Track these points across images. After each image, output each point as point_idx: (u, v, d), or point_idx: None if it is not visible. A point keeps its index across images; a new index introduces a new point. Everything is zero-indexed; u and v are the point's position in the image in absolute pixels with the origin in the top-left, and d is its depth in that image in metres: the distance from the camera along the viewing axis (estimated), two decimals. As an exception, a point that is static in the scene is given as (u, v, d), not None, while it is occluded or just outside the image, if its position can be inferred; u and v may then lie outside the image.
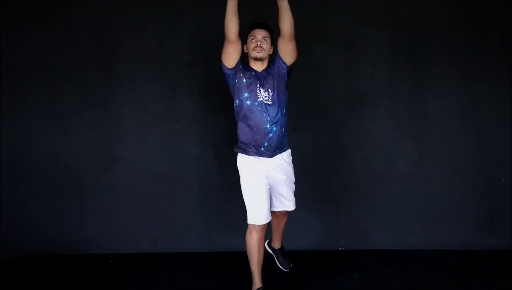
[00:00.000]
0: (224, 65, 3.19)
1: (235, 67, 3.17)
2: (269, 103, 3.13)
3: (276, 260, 3.67)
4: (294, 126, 4.17)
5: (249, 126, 3.16)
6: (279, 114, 3.15)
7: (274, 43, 3.24)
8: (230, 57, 3.14)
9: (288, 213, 3.43)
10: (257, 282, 3.29)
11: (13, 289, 3.56)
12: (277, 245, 3.65)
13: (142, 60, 4.18)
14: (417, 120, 4.19)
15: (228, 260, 4.03)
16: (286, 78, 3.22)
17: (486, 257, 3.97)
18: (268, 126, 3.13)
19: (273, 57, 3.23)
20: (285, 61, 3.17)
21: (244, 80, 3.16)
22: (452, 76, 4.17)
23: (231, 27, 3.08)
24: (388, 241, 4.21)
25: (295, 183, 3.39)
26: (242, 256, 4.03)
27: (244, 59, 3.26)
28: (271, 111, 3.14)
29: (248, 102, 3.14)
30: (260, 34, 3.16)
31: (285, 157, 3.27)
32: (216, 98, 4.19)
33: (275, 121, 3.14)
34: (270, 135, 3.14)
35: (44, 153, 4.21)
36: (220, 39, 4.16)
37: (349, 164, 4.23)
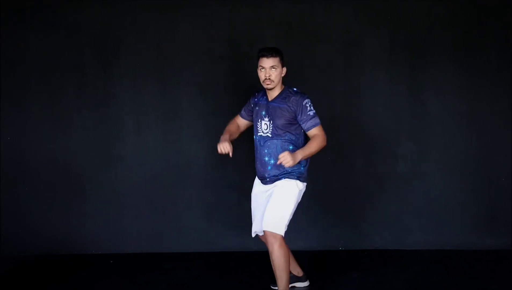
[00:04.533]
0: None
1: (253, 111, 3.29)
2: (269, 136, 3.13)
3: None
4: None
5: (257, 153, 3.23)
6: (282, 150, 3.08)
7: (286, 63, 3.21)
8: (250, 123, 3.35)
9: (270, 242, 3.07)
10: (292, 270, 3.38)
11: (13, 288, 3.56)
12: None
13: (142, 60, 4.18)
14: (417, 120, 4.19)
15: (228, 260, 4.03)
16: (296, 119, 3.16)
17: (486, 257, 3.97)
18: (266, 159, 3.15)
19: (294, 96, 3.13)
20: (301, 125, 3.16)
21: (258, 109, 3.23)
22: (452, 76, 4.17)
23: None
24: (388, 241, 4.22)
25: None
26: (242, 256, 4.05)
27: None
28: (272, 145, 3.13)
29: (254, 136, 3.24)
30: (267, 64, 3.08)
31: (284, 181, 3.14)
32: (216, 98, 4.19)
33: (273, 155, 3.11)
34: (269, 168, 3.15)
35: (44, 153, 4.21)
36: (220, 39, 4.19)
37: (349, 164, 4.23)
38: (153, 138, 4.22)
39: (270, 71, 3.08)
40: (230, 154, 3.10)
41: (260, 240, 3.41)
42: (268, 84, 3.11)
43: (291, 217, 3.15)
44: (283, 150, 3.06)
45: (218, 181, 4.23)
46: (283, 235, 3.08)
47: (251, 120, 3.32)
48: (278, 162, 2.95)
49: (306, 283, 3.48)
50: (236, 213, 4.20)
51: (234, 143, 3.21)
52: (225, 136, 3.20)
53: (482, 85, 4.16)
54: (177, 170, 4.23)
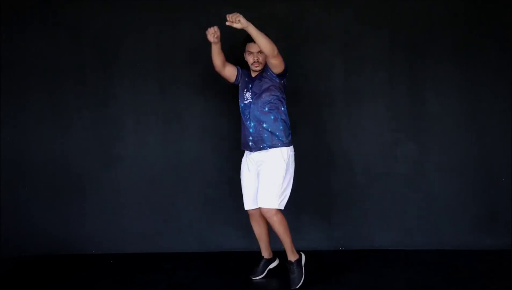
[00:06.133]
0: (229, 82, 3.63)
1: (236, 79, 3.62)
2: (250, 101, 3.49)
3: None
4: (294, 126, 4.18)
5: (242, 124, 3.56)
6: (258, 112, 3.44)
7: None
8: (228, 77, 3.62)
9: (268, 217, 3.42)
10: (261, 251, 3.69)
11: (13, 288, 3.56)
12: (267, 255, 3.71)
13: (142, 60, 4.18)
14: (417, 120, 4.19)
15: (228, 260, 4.03)
16: (278, 80, 3.46)
17: (486, 257, 3.97)
18: (248, 123, 3.48)
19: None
20: (273, 71, 3.42)
21: (242, 85, 3.59)
22: (452, 76, 4.17)
23: (217, 64, 3.55)
24: (388, 241, 4.21)
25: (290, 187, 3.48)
26: (242, 256, 4.05)
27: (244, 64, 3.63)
28: (252, 110, 3.46)
29: (241, 104, 3.56)
30: (255, 49, 3.42)
31: (269, 154, 3.44)
32: (216, 98, 4.19)
33: (253, 118, 3.46)
34: (251, 130, 3.46)
35: (44, 153, 4.21)
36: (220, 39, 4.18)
37: (349, 164, 4.22)
38: (153, 138, 4.22)
39: (257, 55, 3.45)
40: (216, 35, 3.39)
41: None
42: (256, 66, 3.48)
43: (288, 187, 3.46)
44: (262, 113, 3.43)
45: (218, 181, 4.23)
46: (277, 208, 3.38)
47: (226, 70, 3.58)
48: (228, 18, 3.16)
49: (277, 261, 3.76)
50: (236, 213, 4.20)
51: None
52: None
53: (482, 85, 4.16)
54: (177, 170, 4.23)
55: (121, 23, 4.19)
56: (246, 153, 3.59)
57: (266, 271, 3.67)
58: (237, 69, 3.62)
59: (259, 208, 3.45)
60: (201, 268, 3.87)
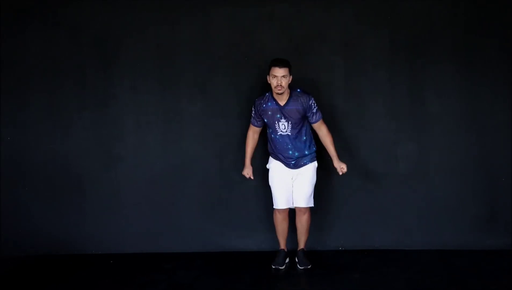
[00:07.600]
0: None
1: (261, 119, 3.82)
2: (289, 134, 3.76)
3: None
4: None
5: (274, 148, 3.84)
6: (300, 143, 3.82)
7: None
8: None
9: (303, 213, 3.93)
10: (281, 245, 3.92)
11: (13, 288, 3.56)
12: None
13: (142, 60, 4.18)
14: (417, 120, 4.19)
15: (228, 260, 4.03)
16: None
17: (486, 257, 3.97)
18: (290, 153, 3.79)
19: (301, 98, 3.75)
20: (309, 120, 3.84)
21: (266, 116, 3.76)
22: (452, 76, 4.17)
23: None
24: (388, 241, 4.21)
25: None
26: (242, 256, 4.05)
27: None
28: (292, 141, 3.78)
29: (272, 135, 3.79)
30: (279, 73, 3.62)
31: (304, 167, 3.90)
32: (216, 98, 4.19)
33: (295, 149, 3.81)
34: (293, 160, 3.81)
35: (44, 153, 4.21)
36: (219, 39, 4.19)
37: (349, 164, 4.21)
38: (153, 138, 4.22)
39: (281, 79, 3.62)
40: (252, 178, 3.87)
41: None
42: (279, 90, 3.64)
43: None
44: (301, 143, 3.77)
45: (218, 181, 4.23)
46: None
47: (263, 124, 3.83)
48: (341, 173, 3.81)
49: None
50: (236, 213, 4.20)
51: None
52: (248, 162, 3.87)
53: (482, 85, 4.16)
54: (177, 170, 4.23)
55: (121, 23, 4.18)
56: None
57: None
58: (255, 118, 3.82)
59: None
60: (201, 268, 3.87)
